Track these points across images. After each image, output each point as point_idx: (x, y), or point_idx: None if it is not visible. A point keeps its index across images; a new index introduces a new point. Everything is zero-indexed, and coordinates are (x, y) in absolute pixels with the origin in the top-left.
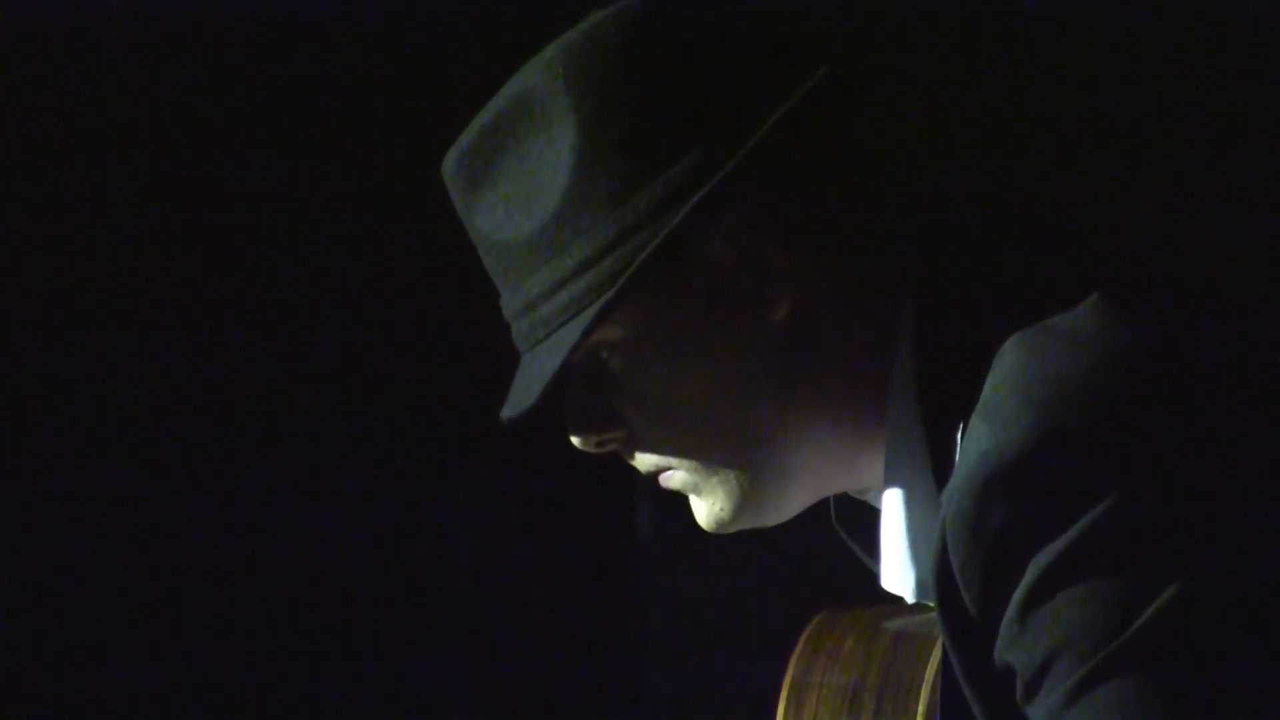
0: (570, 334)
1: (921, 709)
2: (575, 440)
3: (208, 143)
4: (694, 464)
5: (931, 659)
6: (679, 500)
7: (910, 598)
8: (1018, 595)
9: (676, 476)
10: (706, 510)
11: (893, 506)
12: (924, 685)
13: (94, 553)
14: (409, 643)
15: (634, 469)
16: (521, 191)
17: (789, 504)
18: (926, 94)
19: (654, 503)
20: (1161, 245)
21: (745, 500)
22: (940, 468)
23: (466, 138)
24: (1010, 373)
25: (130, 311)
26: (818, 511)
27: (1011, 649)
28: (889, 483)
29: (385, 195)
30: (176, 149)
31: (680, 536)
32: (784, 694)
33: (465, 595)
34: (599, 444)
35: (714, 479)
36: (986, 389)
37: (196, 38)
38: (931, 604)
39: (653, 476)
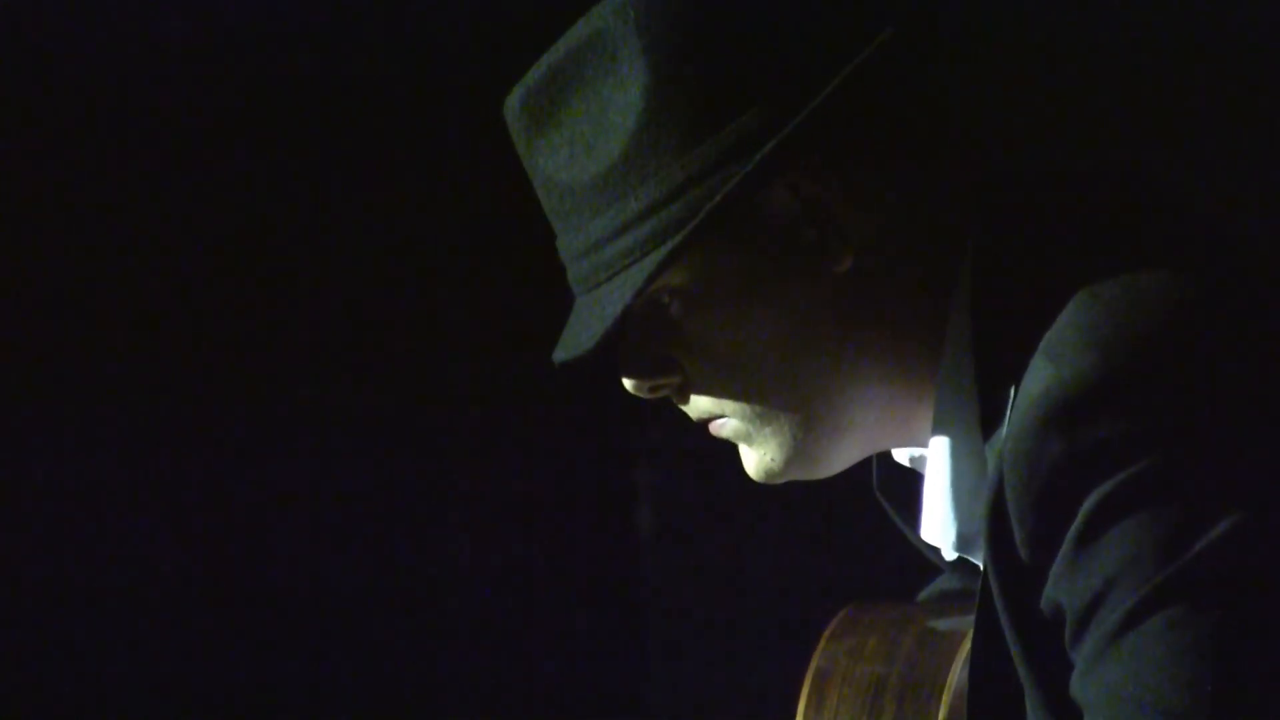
0: (634, 277)
1: (943, 713)
2: (629, 385)
3: (207, 142)
4: (748, 412)
5: (955, 662)
6: (679, 500)
7: (950, 552)
8: (1072, 531)
9: (729, 425)
10: (757, 460)
11: (938, 459)
12: (946, 688)
13: (93, 553)
14: (409, 642)
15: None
16: (588, 133)
17: (839, 457)
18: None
19: (654, 503)
20: (1222, 211)
21: (797, 451)
22: (989, 423)
23: (533, 77)
24: (1075, 317)
25: (129, 311)
26: (818, 512)
27: (1062, 586)
28: (936, 436)
29: (386, 194)
30: (176, 148)
31: (680, 536)
32: (806, 688)
33: (465, 595)
34: (653, 389)
35: (767, 429)
36: (1050, 333)
37: (196, 36)
38: (972, 559)
39: (703, 424)
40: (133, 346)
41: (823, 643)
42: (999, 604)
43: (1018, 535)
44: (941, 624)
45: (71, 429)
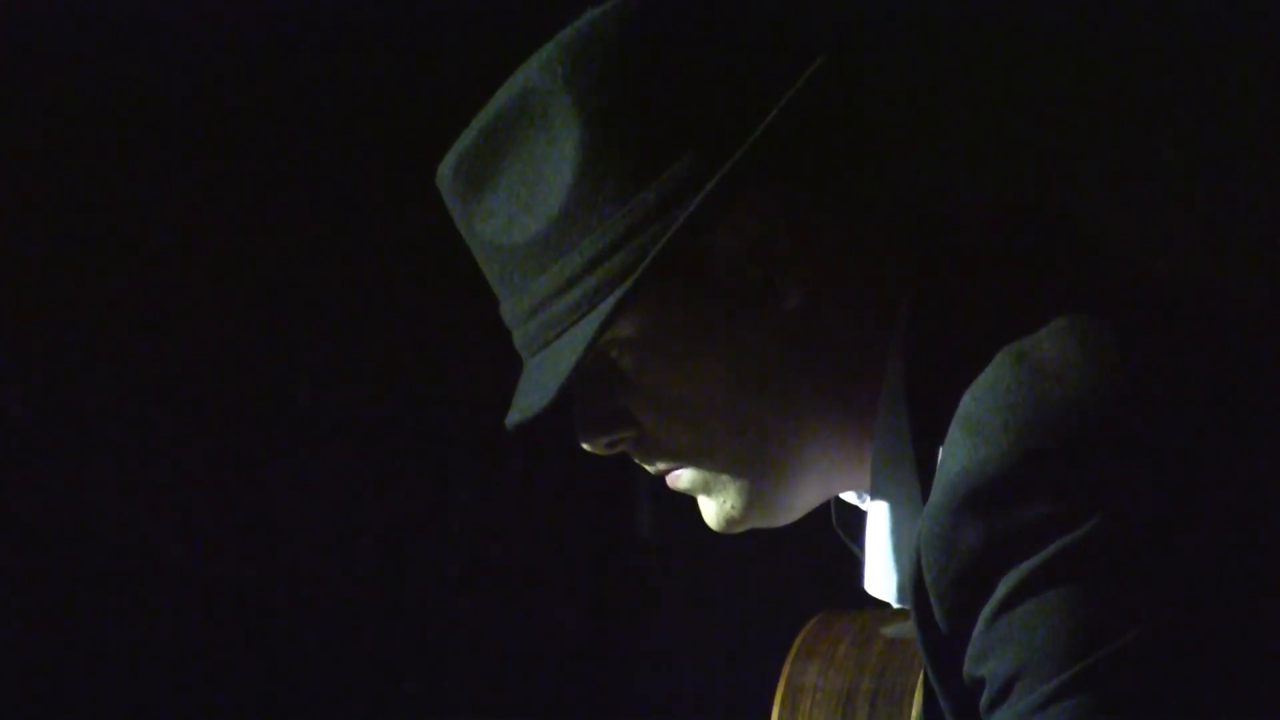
0: (584, 330)
1: (915, 714)
2: (585, 444)
3: (207, 141)
4: (705, 461)
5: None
6: (679, 500)
7: (895, 602)
8: (987, 610)
9: (685, 476)
10: (716, 509)
11: (878, 511)
12: (917, 691)
13: (93, 552)
14: (409, 642)
15: (639, 469)
16: (525, 193)
17: (798, 502)
18: (926, 93)
19: (654, 503)
20: (1164, 256)
21: (756, 497)
22: (925, 474)
23: (463, 143)
24: (993, 390)
25: (129, 312)
26: (816, 513)
27: (980, 662)
28: (875, 487)
29: (385, 194)
30: (176, 148)
31: (680, 536)
32: (778, 697)
33: (465, 595)
34: (609, 445)
35: (724, 476)
36: (966, 401)
37: (196, 36)
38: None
39: (660, 477)
40: (133, 348)
41: (793, 652)
42: (930, 673)
43: (937, 612)
44: (909, 628)
45: (72, 430)
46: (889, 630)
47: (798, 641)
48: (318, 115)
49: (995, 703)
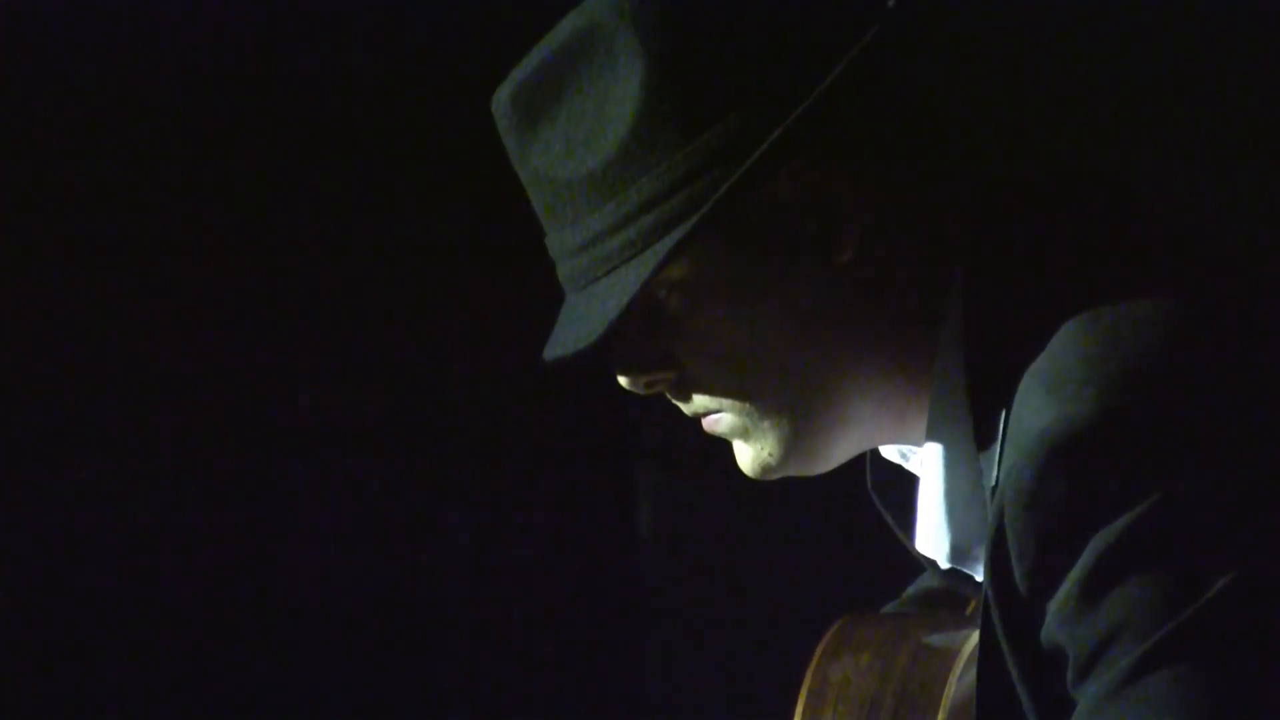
0: (637, 270)
1: None
2: (624, 381)
3: (208, 142)
4: (746, 407)
5: (950, 676)
6: (679, 500)
7: (944, 563)
8: (1076, 574)
9: (724, 420)
10: (753, 455)
11: (932, 469)
12: (942, 704)
13: (93, 552)
14: (408, 642)
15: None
16: (584, 127)
17: (836, 453)
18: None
19: (654, 503)
20: (1223, 231)
21: (794, 446)
22: (982, 434)
23: (523, 73)
24: (1074, 347)
25: (129, 314)
26: (818, 511)
27: (1065, 629)
28: (930, 444)
29: (386, 194)
30: (177, 148)
31: (680, 536)
32: (800, 706)
33: (465, 595)
34: (648, 385)
35: (765, 423)
36: (1044, 360)
37: (196, 36)
38: (966, 570)
39: (696, 419)
40: (132, 350)
41: (816, 659)
42: (1002, 637)
43: (1016, 570)
44: (935, 638)
45: (74, 432)
46: (913, 639)
47: (820, 647)
48: (317, 114)
49: (1084, 668)
